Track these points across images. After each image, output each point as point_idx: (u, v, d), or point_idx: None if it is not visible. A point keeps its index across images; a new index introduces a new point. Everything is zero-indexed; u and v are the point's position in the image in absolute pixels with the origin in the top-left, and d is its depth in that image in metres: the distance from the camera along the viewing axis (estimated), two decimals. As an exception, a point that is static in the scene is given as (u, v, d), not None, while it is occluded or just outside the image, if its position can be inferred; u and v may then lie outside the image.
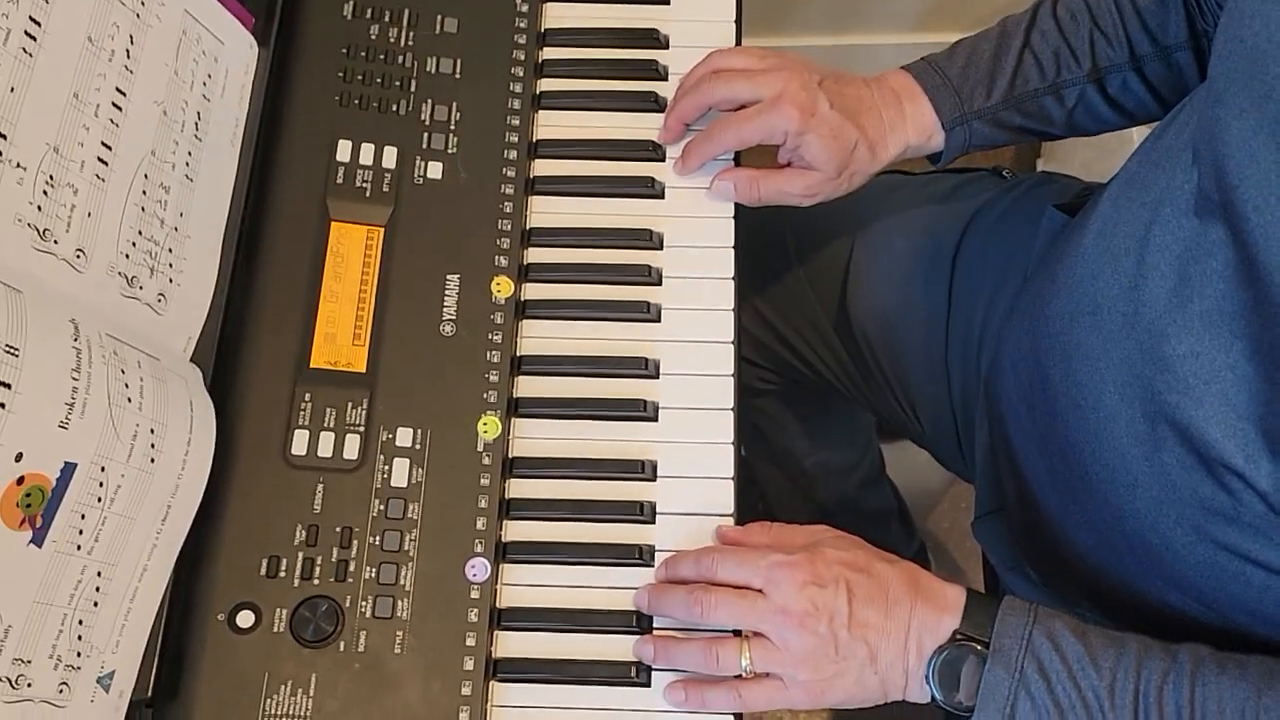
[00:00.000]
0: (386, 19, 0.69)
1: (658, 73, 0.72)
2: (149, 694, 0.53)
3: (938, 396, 0.80)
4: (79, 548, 0.49)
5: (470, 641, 0.57)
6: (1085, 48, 0.67)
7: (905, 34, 1.36)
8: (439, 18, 0.70)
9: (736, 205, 0.69)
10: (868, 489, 1.11)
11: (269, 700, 0.55)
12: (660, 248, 0.68)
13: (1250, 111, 0.47)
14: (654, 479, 0.63)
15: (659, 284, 0.67)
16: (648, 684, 0.58)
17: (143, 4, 0.56)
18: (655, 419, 0.64)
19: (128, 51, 0.55)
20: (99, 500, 0.50)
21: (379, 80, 0.68)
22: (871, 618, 0.55)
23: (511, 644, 0.59)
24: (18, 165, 0.49)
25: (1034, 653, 0.53)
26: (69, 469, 0.48)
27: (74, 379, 0.49)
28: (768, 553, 0.57)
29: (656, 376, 0.65)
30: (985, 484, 0.74)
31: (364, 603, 0.57)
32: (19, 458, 0.46)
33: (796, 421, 1.00)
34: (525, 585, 0.60)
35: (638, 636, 0.59)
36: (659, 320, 0.66)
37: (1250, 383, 0.48)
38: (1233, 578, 0.53)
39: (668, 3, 0.74)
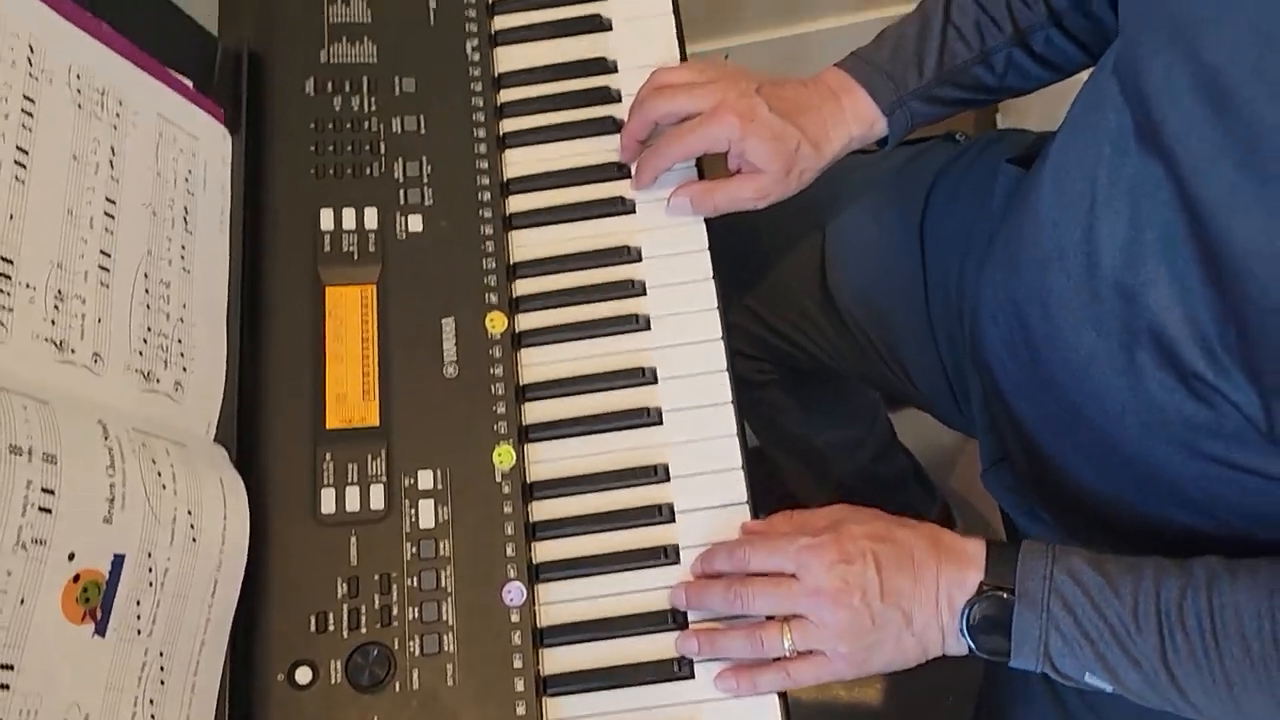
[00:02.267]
0: (347, 89, 0.73)
1: (611, 96, 0.75)
2: (225, 759, 0.56)
3: (928, 360, 0.82)
4: (139, 632, 0.53)
5: (518, 663, 0.60)
6: (1004, 13, 0.70)
7: (850, 14, 1.39)
8: (396, 79, 0.74)
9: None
10: (881, 459, 1.13)
11: (338, 748, 0.58)
12: (640, 260, 0.71)
13: (1163, 49, 0.49)
14: (668, 480, 0.66)
15: (644, 294, 0.70)
16: (691, 676, 0.61)
17: (118, 115, 0.60)
18: (660, 423, 0.67)
19: (111, 162, 0.59)
20: (150, 585, 0.53)
21: (349, 147, 0.71)
22: (902, 584, 0.58)
23: (557, 659, 0.62)
24: (27, 286, 0.52)
25: (1058, 590, 0.56)
26: (119, 560, 0.51)
27: (110, 476, 0.52)
28: (795, 538, 0.60)
29: (655, 382, 0.68)
30: (986, 436, 0.77)
31: (411, 643, 0.60)
32: (71, 557, 0.49)
33: (800, 407, 1.03)
34: (562, 602, 0.63)
35: (678, 633, 0.62)
36: (649, 329, 0.69)
37: (1211, 303, 0.51)
38: (1228, 486, 0.56)
39: (610, 29, 0.77)
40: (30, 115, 0.54)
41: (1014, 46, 0.70)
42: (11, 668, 0.45)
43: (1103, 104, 0.56)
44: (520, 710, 0.59)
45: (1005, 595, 0.57)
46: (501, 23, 0.78)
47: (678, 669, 0.61)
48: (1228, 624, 0.53)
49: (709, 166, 0.74)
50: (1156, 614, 0.54)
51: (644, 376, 0.68)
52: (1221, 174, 0.47)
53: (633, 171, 0.72)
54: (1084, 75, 0.97)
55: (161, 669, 0.54)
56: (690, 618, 0.62)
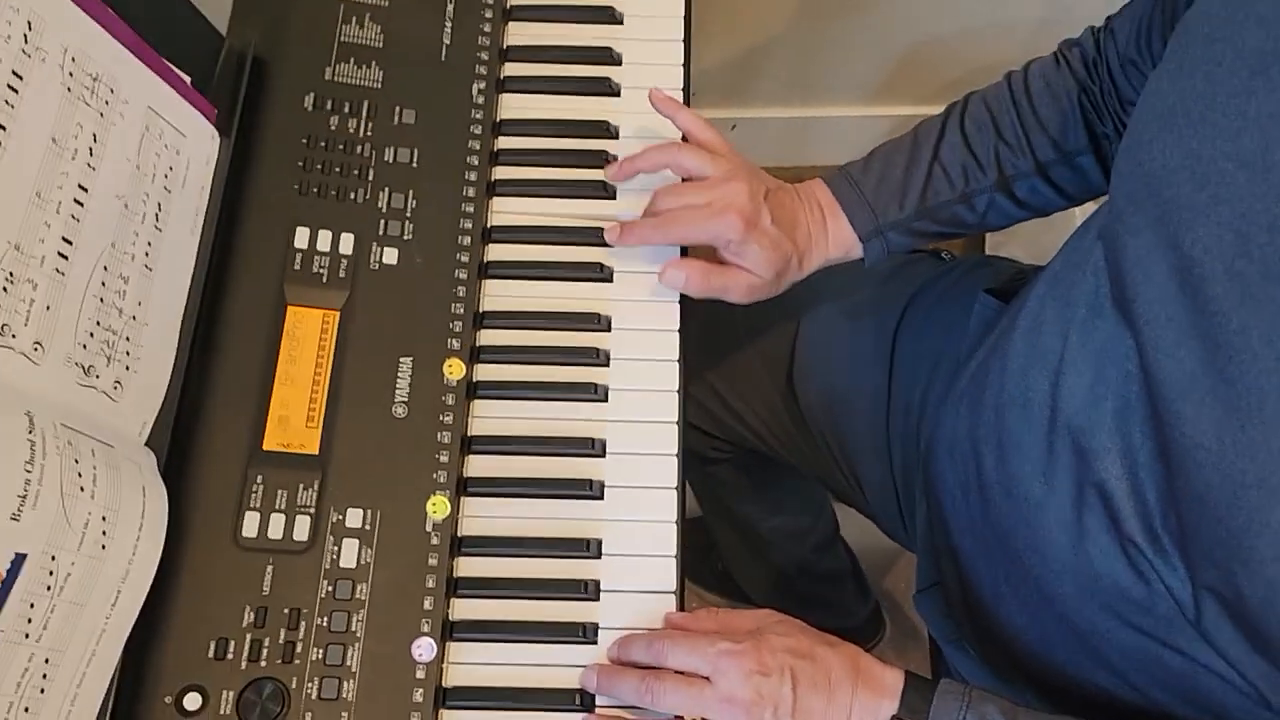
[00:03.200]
0: (346, 110, 0.72)
1: (608, 162, 0.75)
2: (95, 778, 0.54)
3: (880, 471, 0.82)
4: (27, 635, 0.51)
5: (415, 721, 0.59)
6: (991, 158, 0.71)
7: (862, 106, 1.41)
8: (398, 109, 0.73)
9: (683, 296, 0.72)
10: (822, 551, 1.13)
11: (214, 782, 0.56)
12: (609, 330, 0.71)
13: (1145, 230, 0.50)
14: (599, 557, 0.65)
15: (606, 365, 0.70)
16: (590, 760, 0.60)
17: (107, 103, 0.59)
18: (601, 498, 0.66)
19: (90, 149, 0.58)
20: (48, 589, 0.51)
21: (338, 169, 0.71)
22: (814, 704, 0.57)
23: (456, 723, 0.60)
24: (-22, 264, 0.51)
25: None
26: (19, 560, 0.50)
27: (27, 471, 0.50)
28: (716, 640, 0.59)
29: (603, 455, 0.67)
30: (925, 558, 0.76)
31: (310, 684, 0.59)
32: (-30, 550, 0.47)
33: (751, 488, 1.02)
34: (471, 664, 0.62)
35: (580, 715, 0.60)
36: (606, 400, 0.69)
37: (1157, 482, 0.51)
38: (1153, 661, 0.56)
39: (618, 95, 0.77)
40: (15, 92, 0.53)
41: (997, 191, 0.71)
42: (-117, 659, 0.44)
43: (1084, 264, 0.56)
44: (408, 771, 0.58)
45: None
46: (512, 70, 0.78)
47: (577, 752, 0.60)
48: None
49: (695, 252, 0.74)
50: None
51: (593, 448, 0.67)
52: (1182, 360, 0.48)
53: (618, 226, 0.71)
54: (1075, 210, 0.99)
55: (44, 676, 0.52)
56: (598, 702, 0.61)
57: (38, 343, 0.54)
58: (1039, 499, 0.57)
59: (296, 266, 0.68)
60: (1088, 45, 0.72)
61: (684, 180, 0.72)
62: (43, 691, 0.52)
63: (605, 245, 0.73)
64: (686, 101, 0.77)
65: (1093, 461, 0.53)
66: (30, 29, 0.54)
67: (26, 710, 0.51)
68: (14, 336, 0.53)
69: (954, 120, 0.73)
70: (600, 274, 0.72)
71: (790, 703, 0.57)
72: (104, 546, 0.54)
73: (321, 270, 0.68)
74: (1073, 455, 0.55)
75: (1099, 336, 0.54)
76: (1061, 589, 0.58)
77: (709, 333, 0.88)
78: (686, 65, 0.78)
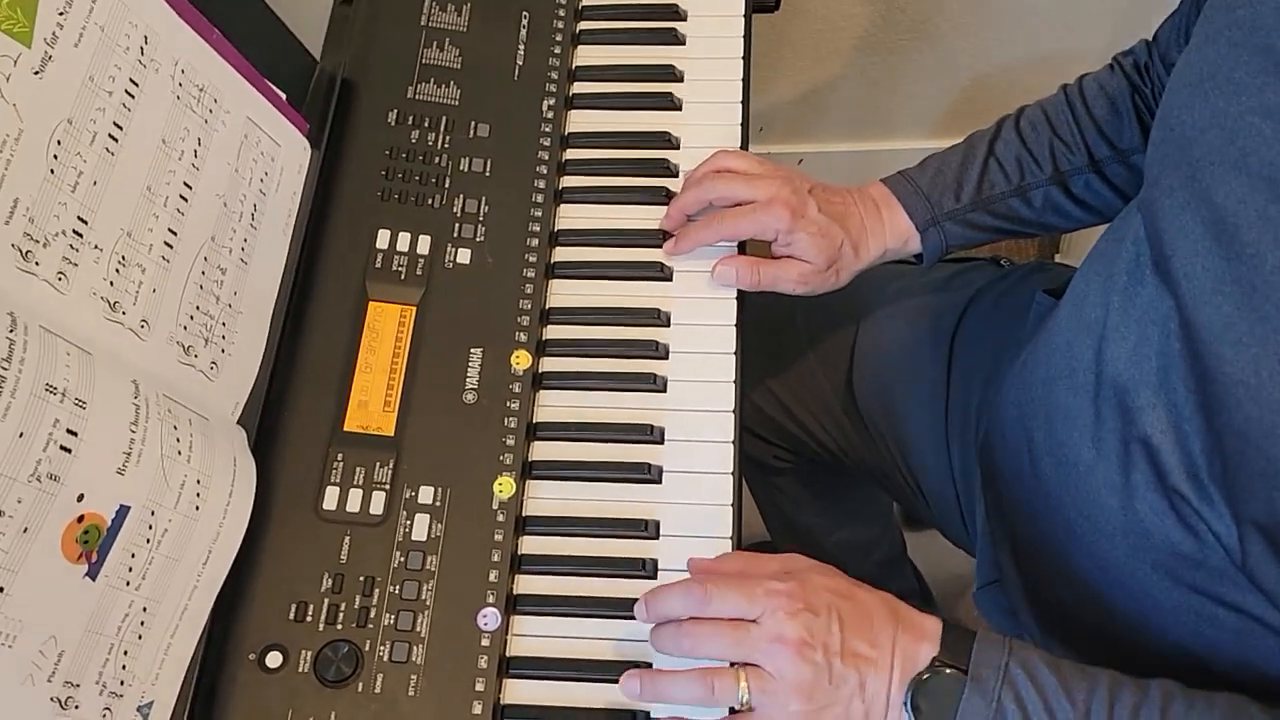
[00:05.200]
0: (426, 124, 0.78)
1: (669, 170, 0.79)
2: (184, 725, 0.58)
3: (940, 471, 0.83)
4: (128, 584, 0.55)
5: (479, 687, 0.62)
6: (1046, 154, 0.73)
7: (923, 139, 1.43)
8: (473, 123, 0.78)
9: (740, 290, 0.75)
10: (889, 568, 1.13)
11: (292, 735, 0.60)
12: (668, 325, 0.74)
13: (1178, 190, 0.52)
14: (657, 537, 0.67)
15: (666, 358, 0.73)
16: (647, 730, 0.62)
17: (210, 111, 0.65)
18: (659, 482, 0.69)
19: (195, 152, 0.64)
20: (148, 541, 0.56)
21: (417, 178, 0.76)
22: (860, 646, 0.56)
23: (519, 691, 0.63)
24: (95, 247, 0.57)
25: (1011, 683, 0.54)
26: (123, 511, 0.54)
27: (132, 431, 0.55)
28: (761, 580, 0.57)
29: (661, 442, 0.70)
30: (984, 554, 0.77)
31: (382, 647, 0.62)
32: (80, 498, 0.52)
33: (814, 499, 1.03)
34: (534, 636, 0.65)
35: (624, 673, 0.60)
36: (665, 391, 0.72)
37: (1200, 431, 0.52)
38: (1207, 622, 0.56)
39: (680, 109, 0.82)
40: (132, 97, 0.59)
41: (1052, 185, 0.73)
42: (1, 590, 0.48)
43: (1124, 236, 0.58)
44: (473, 733, 0.60)
45: (957, 673, 0.55)
46: (579, 88, 0.83)
47: (634, 720, 0.62)
48: None
49: (752, 249, 0.77)
50: None
51: (651, 434, 0.70)
52: (1220, 305, 0.49)
53: (674, 238, 0.75)
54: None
55: (142, 624, 0.56)
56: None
57: (144, 320, 0.59)
58: (1088, 464, 0.58)
59: (378, 265, 0.73)
60: (1140, 52, 0.74)
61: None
62: (140, 638, 0.56)
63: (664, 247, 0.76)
64: (746, 133, 0.80)
65: (1137, 418, 0.54)
66: (146, 43, 0.60)
67: (125, 653, 0.55)
68: (124, 314, 0.58)
69: (1009, 123, 0.75)
70: (661, 273, 0.75)
71: (839, 643, 0.55)
72: (197, 508, 0.59)
73: (400, 269, 0.73)
74: (1118, 415, 0.56)
75: (1140, 302, 0.55)
76: (1114, 553, 0.58)
77: (770, 339, 0.90)
78: (745, 79, 0.82)
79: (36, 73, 0.53)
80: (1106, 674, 0.55)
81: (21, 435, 0.49)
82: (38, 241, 0.53)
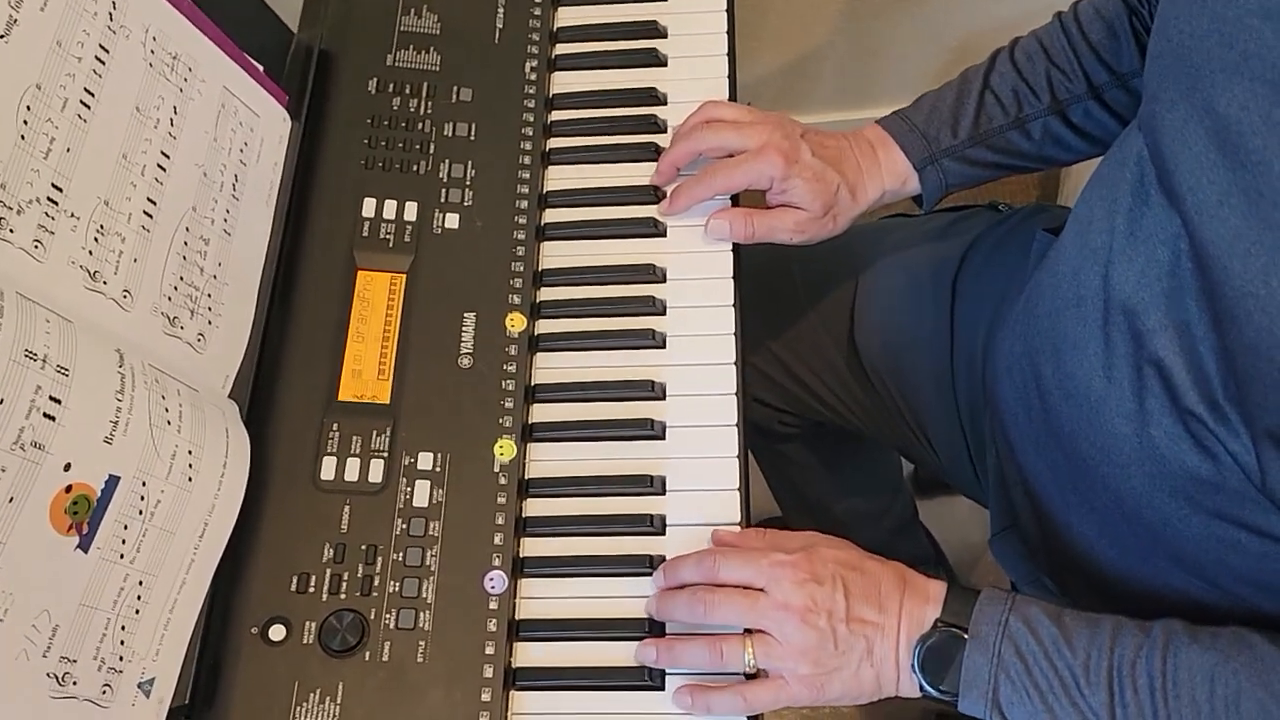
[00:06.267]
0: (407, 91, 0.76)
1: (657, 126, 0.78)
2: (187, 701, 0.57)
3: (948, 420, 0.81)
4: (122, 556, 0.54)
5: (489, 651, 0.60)
6: (1043, 83, 0.71)
7: (915, 101, 1.41)
8: (455, 88, 0.77)
9: (736, 244, 0.73)
10: (901, 535, 1.11)
11: (299, 708, 0.58)
12: (664, 281, 0.72)
13: (1179, 102, 0.50)
14: (663, 493, 0.66)
15: (663, 314, 0.71)
16: (662, 687, 0.60)
17: (185, 80, 0.64)
18: (663, 438, 0.67)
19: (171, 120, 0.62)
20: (140, 513, 0.55)
21: (400, 145, 0.74)
22: (867, 613, 0.58)
23: (530, 653, 0.61)
24: (72, 215, 0.55)
25: (1010, 637, 0.55)
26: (113, 481, 0.53)
27: (118, 400, 0.54)
28: (767, 552, 0.60)
29: (663, 398, 0.68)
30: (997, 500, 0.75)
31: (388, 615, 0.60)
32: (67, 467, 0.51)
33: (823, 467, 1.02)
34: (541, 598, 0.63)
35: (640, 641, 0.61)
36: (664, 347, 0.70)
37: (1213, 349, 0.50)
38: (1229, 547, 0.54)
39: (665, 65, 0.80)
40: (102, 63, 0.58)
41: (1051, 115, 0.71)
42: (-10, 561, 0.47)
43: (1126, 158, 0.56)
44: (485, 697, 0.59)
45: (959, 633, 0.57)
46: (563, 49, 0.81)
47: (648, 678, 0.60)
48: (1179, 685, 0.52)
49: (745, 201, 0.75)
50: (1108, 670, 0.54)
51: (653, 390, 0.68)
52: (1226, 218, 0.48)
53: (667, 194, 0.74)
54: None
55: (139, 598, 0.55)
56: (667, 630, 0.62)
57: (127, 290, 0.58)
58: (1100, 394, 0.57)
59: (365, 233, 0.71)
60: None
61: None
62: (137, 613, 0.55)
63: (657, 203, 0.75)
64: (734, 84, 0.79)
65: (1148, 341, 0.53)
66: (115, 8, 0.59)
67: (123, 628, 0.54)
68: (105, 283, 0.57)
69: (1004, 54, 0.74)
70: (654, 229, 0.74)
71: (844, 610, 0.57)
72: (190, 479, 0.58)
73: (388, 236, 0.71)
74: (1129, 340, 0.54)
75: (1147, 223, 0.54)
76: (1130, 483, 0.57)
77: (769, 301, 0.89)
78: (730, 32, 0.81)
79: (2, 36, 0.52)
80: (1110, 619, 0.55)
81: (1, 401, 0.47)
82: (10, 208, 0.52)
